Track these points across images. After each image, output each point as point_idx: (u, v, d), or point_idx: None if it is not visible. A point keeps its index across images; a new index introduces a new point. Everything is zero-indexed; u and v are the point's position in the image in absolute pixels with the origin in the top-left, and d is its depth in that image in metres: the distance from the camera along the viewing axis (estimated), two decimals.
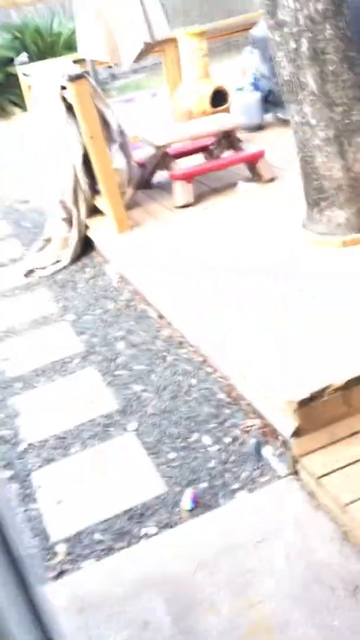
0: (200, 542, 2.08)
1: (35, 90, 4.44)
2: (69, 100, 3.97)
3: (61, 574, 2.09)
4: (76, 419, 2.85)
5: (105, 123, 4.16)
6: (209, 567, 1.99)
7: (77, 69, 3.93)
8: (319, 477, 2.05)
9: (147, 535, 2.16)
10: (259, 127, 5.73)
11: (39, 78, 4.44)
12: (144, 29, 3.92)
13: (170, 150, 4.61)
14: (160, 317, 3.47)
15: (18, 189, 6.62)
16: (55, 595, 1.98)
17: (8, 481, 2.56)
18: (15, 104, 9.52)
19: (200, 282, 3.25)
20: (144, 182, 4.79)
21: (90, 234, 4.48)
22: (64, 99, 4.06)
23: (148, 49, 4.14)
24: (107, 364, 3.21)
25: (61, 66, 4.35)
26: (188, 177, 4.34)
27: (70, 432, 2.77)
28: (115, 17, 3.98)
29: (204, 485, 2.31)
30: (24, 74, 4.95)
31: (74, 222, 4.47)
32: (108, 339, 3.44)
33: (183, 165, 4.52)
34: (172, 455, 2.50)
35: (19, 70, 5.11)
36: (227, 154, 4.70)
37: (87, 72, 4.53)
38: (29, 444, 2.76)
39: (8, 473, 2.61)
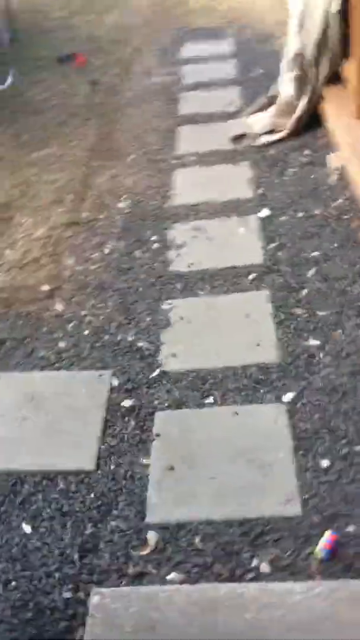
0: (327, 622, 1.52)
1: None
2: None
3: (139, 577, 1.67)
4: (227, 358, 2.30)
5: None
6: None
7: None
8: None
9: (257, 572, 1.64)
10: None
11: None
12: None
13: None
14: None
15: (264, 22, 5.63)
16: (127, 601, 1.58)
17: (126, 413, 2.15)
18: None
19: None
20: None
21: (323, 106, 3.57)
22: None
23: None
24: (286, 294, 2.55)
25: None
26: None
27: (214, 374, 2.24)
28: None
29: (353, 528, 1.70)
30: None
31: (308, 85, 3.57)
32: (299, 258, 2.74)
33: None
34: (325, 462, 1.88)
35: None
36: None
37: None
38: (165, 372, 2.29)
39: (129, 403, 2.19)
